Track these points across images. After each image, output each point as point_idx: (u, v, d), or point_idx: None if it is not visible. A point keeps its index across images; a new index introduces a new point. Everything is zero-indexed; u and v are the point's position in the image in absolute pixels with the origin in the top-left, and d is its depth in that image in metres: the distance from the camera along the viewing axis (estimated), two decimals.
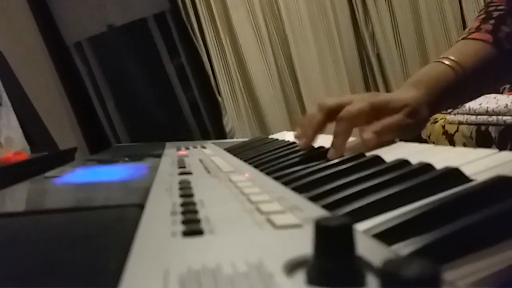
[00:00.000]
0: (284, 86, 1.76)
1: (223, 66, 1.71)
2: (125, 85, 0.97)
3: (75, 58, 0.97)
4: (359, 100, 0.42)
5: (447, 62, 0.45)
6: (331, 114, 0.43)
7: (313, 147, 0.45)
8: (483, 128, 1.23)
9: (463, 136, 1.30)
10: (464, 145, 1.27)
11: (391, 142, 0.42)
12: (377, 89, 1.81)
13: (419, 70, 0.48)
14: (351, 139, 0.49)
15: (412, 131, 0.43)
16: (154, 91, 0.97)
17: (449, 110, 1.34)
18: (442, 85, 0.43)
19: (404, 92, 0.44)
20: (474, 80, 0.45)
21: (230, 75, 1.72)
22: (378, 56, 1.83)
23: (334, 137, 0.41)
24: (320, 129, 0.44)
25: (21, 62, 0.77)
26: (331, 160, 0.37)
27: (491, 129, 1.21)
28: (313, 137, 0.44)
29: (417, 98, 0.42)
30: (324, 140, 0.52)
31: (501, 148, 0.30)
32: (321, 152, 0.42)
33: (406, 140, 0.41)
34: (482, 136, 1.23)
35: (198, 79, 0.97)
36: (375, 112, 0.42)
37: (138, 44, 0.97)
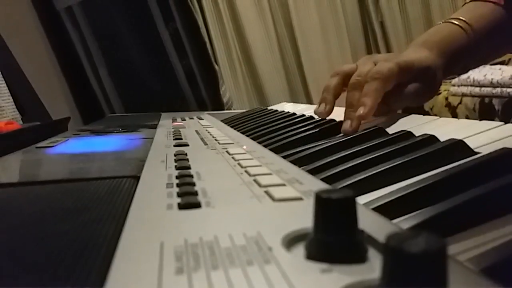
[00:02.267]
0: (284, 54, 1.71)
1: (220, 32, 1.65)
2: (118, 52, 0.94)
3: (66, 24, 0.93)
4: (383, 61, 0.38)
5: (457, 23, 0.41)
6: (348, 80, 0.39)
7: (325, 118, 0.42)
8: (486, 100, 1.22)
9: (466, 109, 1.29)
10: (467, 117, 1.26)
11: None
12: None
13: (425, 32, 0.44)
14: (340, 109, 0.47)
15: (427, 96, 0.41)
16: (148, 59, 0.94)
17: (452, 82, 1.32)
18: (454, 46, 0.40)
19: (415, 52, 0.40)
20: (485, 42, 0.42)
21: (227, 42, 1.66)
22: (382, 24, 1.77)
23: (364, 96, 0.36)
24: (338, 93, 0.41)
25: (11, 29, 0.74)
26: (337, 135, 0.35)
27: (495, 102, 1.19)
28: (333, 102, 0.41)
29: (434, 59, 0.39)
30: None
31: (504, 121, 0.29)
32: (321, 124, 0.41)
33: (409, 112, 0.40)
34: (486, 109, 1.21)
35: (194, 46, 0.94)
36: (402, 74, 0.38)
37: (131, 8, 0.92)
